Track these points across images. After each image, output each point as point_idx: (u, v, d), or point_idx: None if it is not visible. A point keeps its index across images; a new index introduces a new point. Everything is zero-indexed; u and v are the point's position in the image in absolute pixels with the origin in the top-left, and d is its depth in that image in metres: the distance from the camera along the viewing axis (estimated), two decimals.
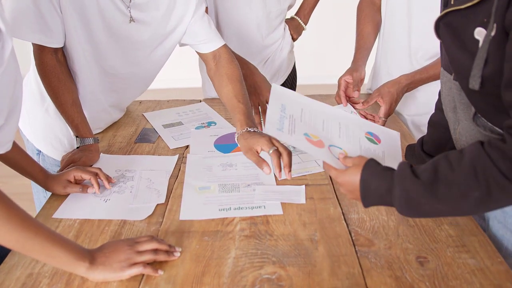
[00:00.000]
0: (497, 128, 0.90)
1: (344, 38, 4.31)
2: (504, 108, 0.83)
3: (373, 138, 1.10)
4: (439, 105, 1.14)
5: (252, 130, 1.31)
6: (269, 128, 1.03)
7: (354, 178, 0.93)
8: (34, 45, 1.30)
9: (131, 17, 1.35)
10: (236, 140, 1.34)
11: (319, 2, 2.05)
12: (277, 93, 1.12)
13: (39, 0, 1.21)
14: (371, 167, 0.92)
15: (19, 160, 1.17)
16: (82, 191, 1.20)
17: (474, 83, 0.84)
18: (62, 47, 1.32)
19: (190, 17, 1.45)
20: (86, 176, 1.20)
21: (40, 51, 1.30)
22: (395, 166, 0.90)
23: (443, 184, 0.83)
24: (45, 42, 1.27)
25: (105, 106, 1.52)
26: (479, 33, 0.82)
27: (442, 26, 0.92)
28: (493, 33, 0.79)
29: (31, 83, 1.46)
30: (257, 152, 1.27)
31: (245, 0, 1.71)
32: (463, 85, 0.91)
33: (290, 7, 1.89)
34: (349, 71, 1.78)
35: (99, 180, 1.22)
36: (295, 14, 2.03)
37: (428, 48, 1.58)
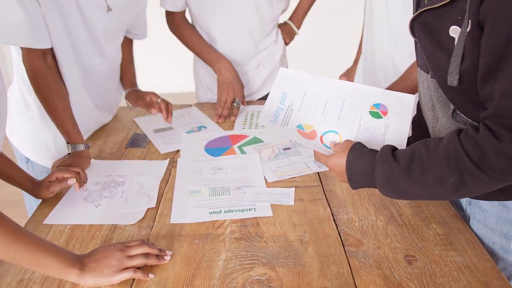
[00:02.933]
0: (476, 123, 0.92)
1: (336, 41, 4.34)
2: (482, 102, 0.85)
3: (378, 111, 1.10)
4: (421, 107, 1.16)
5: (139, 89, 1.72)
6: (262, 119, 1.11)
7: (341, 161, 0.99)
8: (23, 50, 1.30)
9: (108, 6, 1.39)
10: (125, 98, 1.71)
11: (312, 7, 2.06)
12: (283, 78, 1.16)
13: (23, 3, 1.21)
14: (356, 150, 0.98)
15: (6, 169, 1.18)
16: (62, 184, 1.20)
17: (453, 79, 0.86)
18: (51, 52, 1.33)
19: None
20: (67, 175, 1.20)
21: (28, 55, 1.30)
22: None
23: (418, 167, 0.88)
24: (31, 44, 1.27)
25: (91, 106, 1.54)
26: (454, 31, 0.84)
27: (416, 26, 0.94)
28: (468, 29, 0.81)
29: (15, 94, 1.46)
30: (145, 100, 1.62)
31: (236, 6, 1.72)
32: (441, 83, 0.93)
33: (283, 11, 1.90)
34: (346, 73, 1.92)
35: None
36: (288, 19, 2.03)
37: (405, 48, 1.59)
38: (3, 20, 1.22)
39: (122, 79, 1.72)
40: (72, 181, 1.20)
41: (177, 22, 1.81)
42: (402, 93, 1.12)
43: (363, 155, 0.97)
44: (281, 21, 1.97)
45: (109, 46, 1.48)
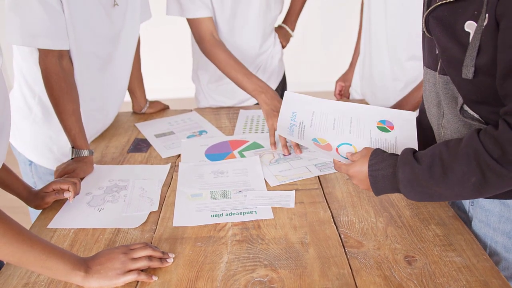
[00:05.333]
0: (482, 120, 0.94)
1: (331, 44, 4.37)
2: (494, 98, 0.87)
3: (385, 126, 1.14)
4: (422, 108, 1.18)
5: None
6: (280, 131, 1.22)
7: (362, 168, 1.01)
8: (40, 51, 1.33)
9: (114, 1, 1.43)
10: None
11: (305, 10, 2.11)
12: (289, 100, 1.24)
13: (45, 4, 1.25)
14: (377, 155, 1.00)
15: (3, 177, 1.19)
16: (58, 195, 1.20)
17: (467, 72, 0.88)
18: (67, 54, 1.36)
19: None
20: (64, 186, 1.21)
21: (45, 56, 1.32)
22: (409, 145, 1.02)
23: (439, 168, 0.89)
24: (49, 45, 1.30)
25: (104, 100, 1.58)
26: (469, 26, 0.86)
27: (431, 20, 0.95)
28: (485, 23, 0.82)
29: (17, 97, 1.48)
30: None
31: (243, 9, 1.74)
32: (454, 76, 0.94)
33: (279, 14, 1.94)
34: (342, 78, 1.95)
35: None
36: (283, 22, 2.08)
37: (402, 54, 1.61)
38: (23, 21, 1.25)
39: (135, 94, 1.83)
40: (68, 194, 1.20)
41: (208, 42, 1.70)
42: (403, 111, 1.16)
43: (384, 159, 0.99)
44: (275, 25, 2.01)
45: (124, 32, 1.52)
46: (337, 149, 1.12)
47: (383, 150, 1.02)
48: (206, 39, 1.69)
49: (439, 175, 0.89)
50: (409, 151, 0.96)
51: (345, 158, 1.10)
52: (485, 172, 0.84)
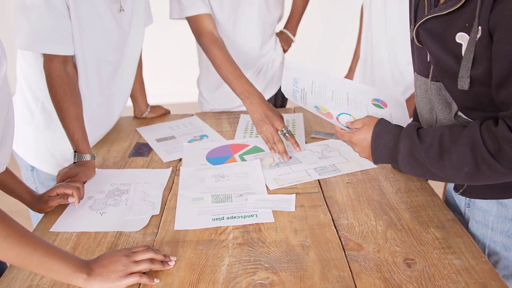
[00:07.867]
0: None
1: (331, 49, 4.39)
2: (489, 104, 0.90)
3: (379, 104, 1.18)
4: (416, 114, 1.19)
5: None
6: (286, 94, 1.25)
7: (366, 135, 1.05)
8: (44, 55, 1.34)
9: (121, 6, 1.44)
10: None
11: (306, 16, 2.13)
12: (290, 67, 1.28)
13: (52, 9, 1.26)
14: (383, 124, 1.04)
15: (6, 181, 1.20)
16: (63, 200, 1.22)
17: (463, 83, 0.90)
18: (72, 60, 1.37)
19: None
20: (68, 191, 1.22)
21: (49, 61, 1.34)
22: (402, 122, 1.05)
23: (437, 150, 0.92)
24: (54, 50, 1.31)
25: (110, 102, 1.59)
26: (461, 37, 0.88)
27: (422, 32, 0.96)
28: (478, 35, 0.84)
29: (19, 103, 1.50)
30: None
31: (244, 10, 1.75)
32: (449, 85, 0.96)
33: (279, 18, 1.96)
34: None
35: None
36: (284, 28, 2.11)
37: (402, 58, 1.63)
38: (30, 26, 1.26)
39: (137, 99, 1.85)
40: (72, 199, 1.22)
41: (206, 38, 1.68)
42: (395, 94, 1.21)
43: (389, 130, 1.02)
44: (276, 30, 2.03)
45: (130, 37, 1.54)
46: (337, 118, 1.15)
47: (388, 121, 1.05)
48: (204, 35, 1.68)
49: (436, 157, 0.92)
50: (413, 126, 0.99)
51: (345, 127, 1.13)
52: (480, 164, 0.87)
